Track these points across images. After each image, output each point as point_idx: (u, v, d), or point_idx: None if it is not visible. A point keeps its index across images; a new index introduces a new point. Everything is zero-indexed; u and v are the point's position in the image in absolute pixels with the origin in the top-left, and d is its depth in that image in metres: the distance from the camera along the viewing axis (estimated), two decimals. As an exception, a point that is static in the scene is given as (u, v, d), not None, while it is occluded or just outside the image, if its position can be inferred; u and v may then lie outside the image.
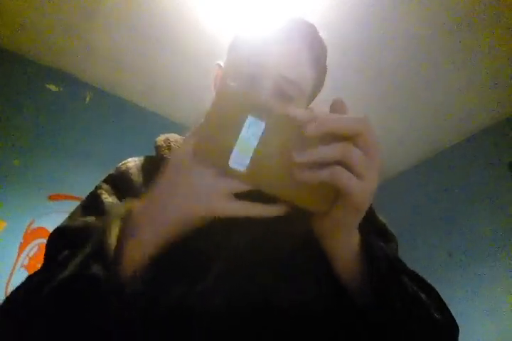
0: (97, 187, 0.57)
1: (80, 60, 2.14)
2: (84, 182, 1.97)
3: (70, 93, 2.20)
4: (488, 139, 2.33)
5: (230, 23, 1.83)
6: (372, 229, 0.51)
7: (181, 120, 2.42)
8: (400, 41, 1.89)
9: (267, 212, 0.37)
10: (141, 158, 0.62)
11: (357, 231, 0.42)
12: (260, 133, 0.34)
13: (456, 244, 2.25)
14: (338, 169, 0.34)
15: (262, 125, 0.34)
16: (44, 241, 1.76)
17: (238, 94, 0.35)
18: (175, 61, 2.11)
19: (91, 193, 0.57)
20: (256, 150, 0.34)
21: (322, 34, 0.59)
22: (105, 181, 0.58)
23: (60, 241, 0.50)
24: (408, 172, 2.75)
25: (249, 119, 0.34)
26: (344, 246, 0.41)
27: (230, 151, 0.34)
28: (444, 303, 0.48)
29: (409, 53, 1.95)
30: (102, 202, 0.53)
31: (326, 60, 0.60)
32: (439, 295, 0.49)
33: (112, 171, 0.60)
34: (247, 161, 0.34)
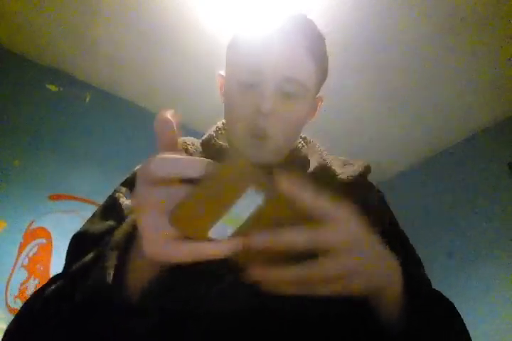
0: (116, 191, 0.59)
1: (80, 60, 2.14)
2: (84, 182, 1.98)
3: (70, 93, 2.19)
4: (488, 139, 2.33)
5: (230, 23, 1.83)
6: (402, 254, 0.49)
7: (181, 120, 2.42)
8: (400, 41, 1.89)
9: (217, 252, 0.30)
10: None
11: (396, 263, 0.40)
12: (255, 206, 0.30)
13: (456, 244, 2.26)
14: (347, 278, 0.33)
15: (260, 198, 0.30)
16: (44, 241, 1.77)
17: (240, 167, 0.30)
18: (175, 61, 2.11)
19: (110, 196, 0.59)
20: (245, 223, 0.31)
21: (317, 22, 0.59)
22: (123, 184, 0.60)
23: (81, 246, 0.51)
24: (408, 172, 2.75)
25: (248, 192, 0.30)
26: (390, 290, 0.40)
27: (214, 222, 0.30)
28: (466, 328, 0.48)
29: (410, 53, 1.95)
30: (119, 205, 0.54)
31: (324, 48, 0.60)
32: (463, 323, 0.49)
33: (128, 174, 0.62)
34: (230, 232, 0.31)
